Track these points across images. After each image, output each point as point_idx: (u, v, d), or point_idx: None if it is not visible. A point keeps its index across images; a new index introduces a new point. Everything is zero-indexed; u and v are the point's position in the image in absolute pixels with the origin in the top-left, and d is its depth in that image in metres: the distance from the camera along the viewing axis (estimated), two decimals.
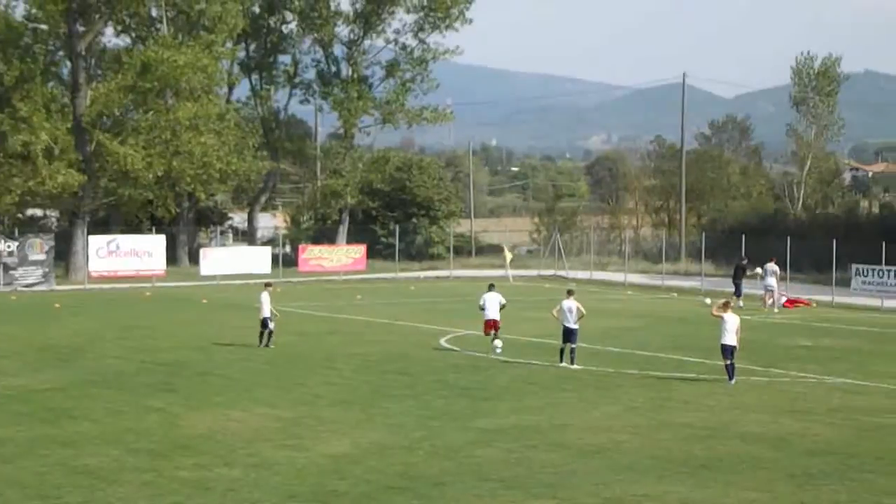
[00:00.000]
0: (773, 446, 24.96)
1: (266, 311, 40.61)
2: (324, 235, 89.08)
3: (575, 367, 35.80)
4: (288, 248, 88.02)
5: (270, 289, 42.20)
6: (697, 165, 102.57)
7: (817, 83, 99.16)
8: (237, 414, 28.03)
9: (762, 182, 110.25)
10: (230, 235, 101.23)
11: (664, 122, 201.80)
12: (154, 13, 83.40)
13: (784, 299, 60.01)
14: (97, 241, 72.26)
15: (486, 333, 39.47)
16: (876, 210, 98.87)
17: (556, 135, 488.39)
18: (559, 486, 21.27)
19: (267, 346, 40.32)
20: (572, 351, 36.27)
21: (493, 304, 39.56)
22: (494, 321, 39.43)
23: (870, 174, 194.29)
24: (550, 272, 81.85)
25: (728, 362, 33.19)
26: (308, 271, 76.48)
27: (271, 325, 40.70)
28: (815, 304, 60.31)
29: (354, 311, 54.51)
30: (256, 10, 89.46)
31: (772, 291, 58.91)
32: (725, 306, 34.10)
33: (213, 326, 47.84)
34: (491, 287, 40.86)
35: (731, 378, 33.03)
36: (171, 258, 78.39)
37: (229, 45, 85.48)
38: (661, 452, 24.16)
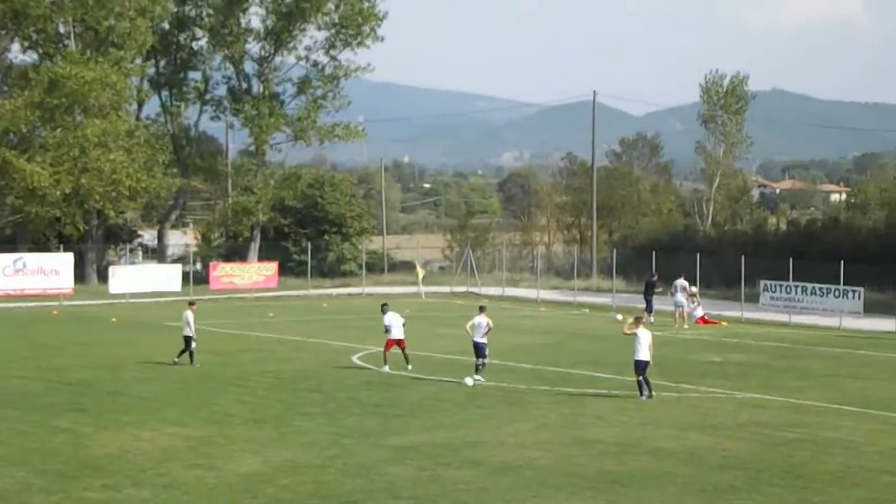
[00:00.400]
0: (684, 461, 25.14)
1: (190, 330, 40.47)
2: (235, 253, 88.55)
3: (469, 381, 35.89)
4: (199, 266, 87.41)
5: (194, 307, 41.95)
6: (608, 182, 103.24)
7: (726, 101, 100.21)
8: (147, 433, 27.75)
9: (672, 199, 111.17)
10: (140, 253, 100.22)
11: (575, 140, 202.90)
12: (62, 29, 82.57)
13: (699, 315, 60.42)
14: (3, 260, 71.24)
15: (388, 350, 39.54)
16: (783, 226, 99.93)
17: (469, 152, 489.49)
18: None
19: (191, 363, 40.17)
20: (483, 365, 36.35)
21: (396, 323, 39.55)
22: (400, 340, 39.47)
23: (777, 191, 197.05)
24: (463, 289, 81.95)
25: (640, 378, 33.41)
26: (219, 289, 76.00)
27: (193, 345, 40.51)
28: (727, 324, 60.71)
29: (266, 329, 54.23)
30: (166, 26, 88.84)
31: (681, 308, 59.36)
32: (637, 322, 34.35)
33: (122, 345, 47.35)
34: (385, 307, 40.63)
35: (642, 393, 33.21)
36: (80, 276, 77.47)
37: (139, 61, 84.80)
38: (574, 468, 24.24)
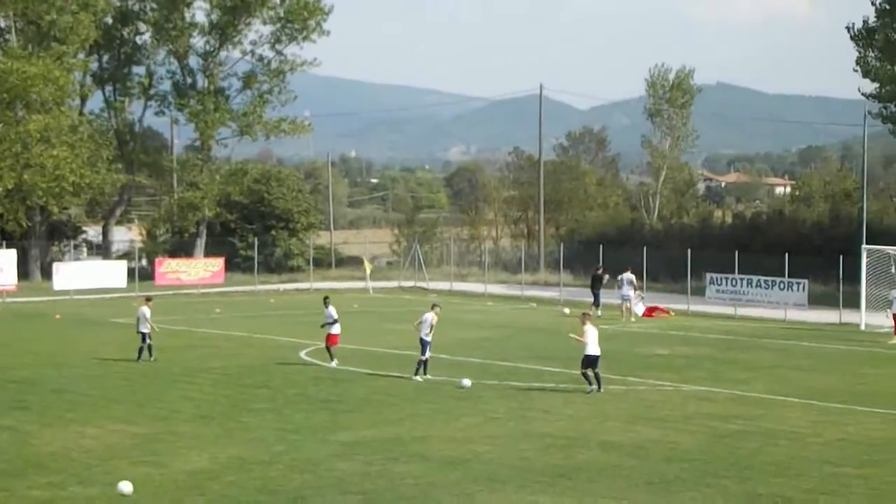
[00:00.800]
0: (631, 454, 25.28)
1: (145, 326, 40.46)
2: (181, 248, 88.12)
3: (418, 377, 35.94)
4: (144, 262, 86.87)
5: (151, 303, 41.85)
6: (555, 176, 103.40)
7: (671, 95, 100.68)
8: (92, 431, 27.61)
9: (619, 193, 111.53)
10: (84, 249, 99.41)
11: (522, 134, 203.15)
12: (2, 24, 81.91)
13: (643, 309, 60.68)
14: None
15: (330, 346, 39.56)
16: (729, 219, 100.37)
17: (416, 146, 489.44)
18: (420, 498, 21.32)
19: (150, 359, 40.18)
20: (423, 362, 36.35)
21: (329, 318, 39.61)
22: (332, 336, 39.52)
23: (723, 184, 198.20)
24: (411, 283, 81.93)
25: (587, 371, 33.51)
26: (165, 285, 75.58)
27: (149, 340, 40.49)
28: (673, 314, 61.08)
29: (213, 325, 54.03)
30: (109, 20, 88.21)
31: (628, 301, 59.56)
32: (585, 318, 34.46)
33: (67, 342, 47.04)
34: (325, 301, 40.69)
35: (591, 385, 33.31)
36: (23, 273, 76.81)
37: (81, 56, 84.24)
38: (522, 462, 24.33)
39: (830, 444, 26.68)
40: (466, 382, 34.64)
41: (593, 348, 33.51)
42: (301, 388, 34.58)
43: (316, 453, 25.12)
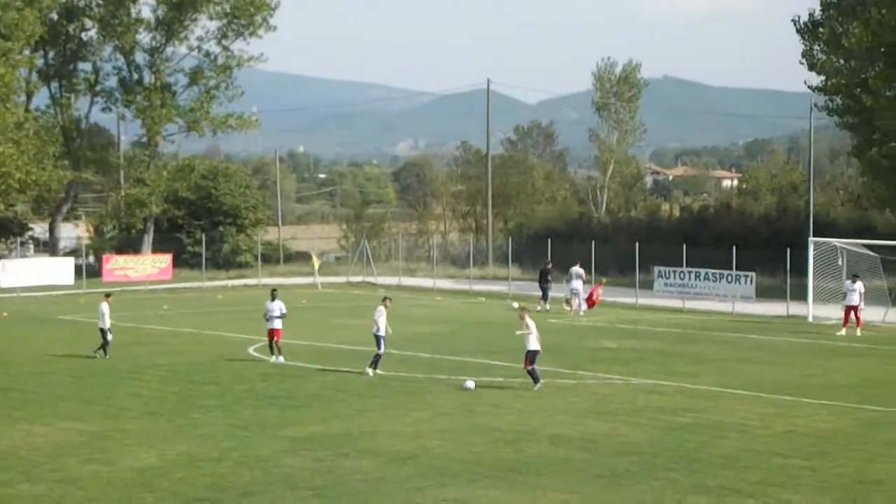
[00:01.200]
0: (581, 448, 25.36)
1: (105, 322, 40.34)
2: (128, 245, 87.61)
3: (370, 371, 35.89)
4: (91, 259, 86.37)
5: (110, 299, 41.72)
6: (503, 170, 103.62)
7: (618, 89, 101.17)
8: (40, 429, 27.44)
9: (567, 187, 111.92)
10: (31, 247, 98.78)
11: (470, 128, 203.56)
12: None
13: (583, 307, 60.51)
14: None
15: (271, 342, 39.49)
16: (677, 213, 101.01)
17: (364, 141, 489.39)
18: (370, 494, 21.31)
19: (104, 356, 40.09)
20: (376, 356, 36.26)
21: (275, 312, 39.51)
22: (277, 331, 39.45)
23: (670, 178, 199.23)
24: (359, 278, 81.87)
25: (532, 367, 33.34)
26: (112, 281, 75.11)
27: (110, 336, 40.43)
28: (604, 281, 61.38)
29: (161, 322, 53.80)
30: (55, 16, 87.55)
31: (577, 295, 59.67)
32: (523, 312, 34.14)
33: (14, 340, 46.72)
34: (274, 294, 40.60)
35: (537, 382, 33.29)
36: None
37: (27, 52, 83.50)
38: (472, 457, 24.35)
39: (779, 436, 26.85)
40: (470, 384, 33.80)
41: (535, 343, 33.27)
42: (250, 384, 34.48)
43: (265, 449, 25.05)
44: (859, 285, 50.32)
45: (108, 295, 42.59)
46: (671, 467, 23.44)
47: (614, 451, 24.97)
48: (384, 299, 37.55)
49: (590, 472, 23.06)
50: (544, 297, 60.24)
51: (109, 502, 20.74)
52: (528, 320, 33.71)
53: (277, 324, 39.53)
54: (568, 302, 59.55)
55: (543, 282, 61.38)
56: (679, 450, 25.14)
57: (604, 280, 62.23)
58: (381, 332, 36.31)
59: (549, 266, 62.37)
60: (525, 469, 23.24)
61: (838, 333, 49.13)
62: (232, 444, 25.66)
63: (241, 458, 24.17)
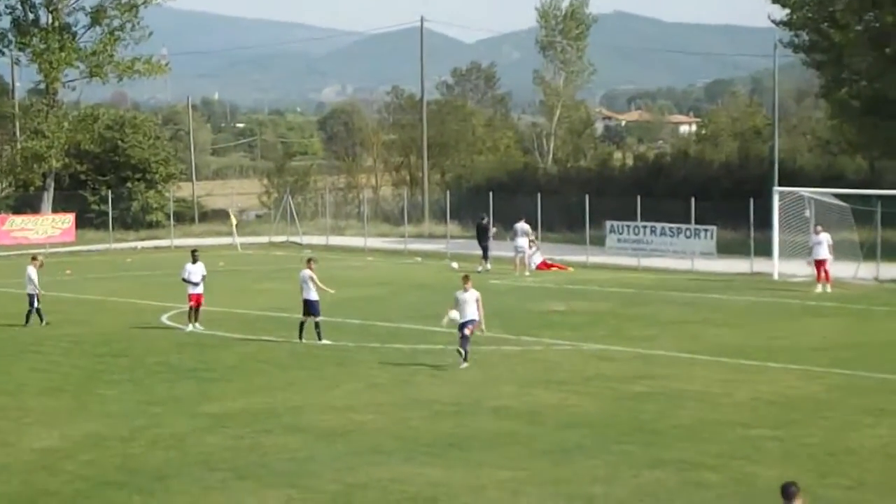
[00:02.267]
0: (528, 420, 25.48)
1: (33, 288, 40.62)
2: (26, 204, 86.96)
3: (323, 342, 35.82)
4: None
5: (37, 262, 41.67)
6: (440, 117, 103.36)
7: (565, 26, 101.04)
8: None
9: (510, 135, 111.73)
10: None
11: (402, 71, 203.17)
12: None
13: (539, 261, 60.80)
14: None
15: (191, 308, 39.42)
16: (630, 162, 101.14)
17: (285, 87, 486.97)
18: (297, 474, 21.32)
19: (42, 324, 40.29)
20: (317, 325, 36.15)
21: (197, 276, 39.41)
22: (200, 296, 39.38)
23: (623, 123, 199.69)
24: (283, 238, 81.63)
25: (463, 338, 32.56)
26: (9, 244, 74.57)
27: (38, 303, 40.70)
28: (572, 270, 61.16)
29: (63, 288, 53.46)
30: None
31: (522, 253, 59.72)
32: (466, 280, 33.50)
33: None
34: (195, 255, 40.40)
35: (465, 359, 32.39)
36: None
37: None
38: (408, 432, 24.42)
39: (742, 404, 27.08)
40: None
41: (473, 311, 32.51)
42: (163, 355, 34.37)
43: (181, 427, 25.02)
44: (825, 237, 50.63)
45: (34, 258, 42.78)
46: (625, 440, 23.60)
47: (564, 424, 25.10)
48: (308, 260, 37.46)
49: (537, 446, 23.18)
50: (485, 256, 60.21)
51: (9, 487, 20.66)
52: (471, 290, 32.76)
53: (200, 289, 39.41)
54: (521, 263, 59.38)
55: (483, 239, 61.26)
56: (634, 421, 25.31)
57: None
58: (314, 297, 36.17)
59: (485, 222, 62.05)
60: (466, 445, 23.32)
61: (815, 291, 49.40)
62: (144, 422, 25.60)
63: (154, 438, 24.13)
